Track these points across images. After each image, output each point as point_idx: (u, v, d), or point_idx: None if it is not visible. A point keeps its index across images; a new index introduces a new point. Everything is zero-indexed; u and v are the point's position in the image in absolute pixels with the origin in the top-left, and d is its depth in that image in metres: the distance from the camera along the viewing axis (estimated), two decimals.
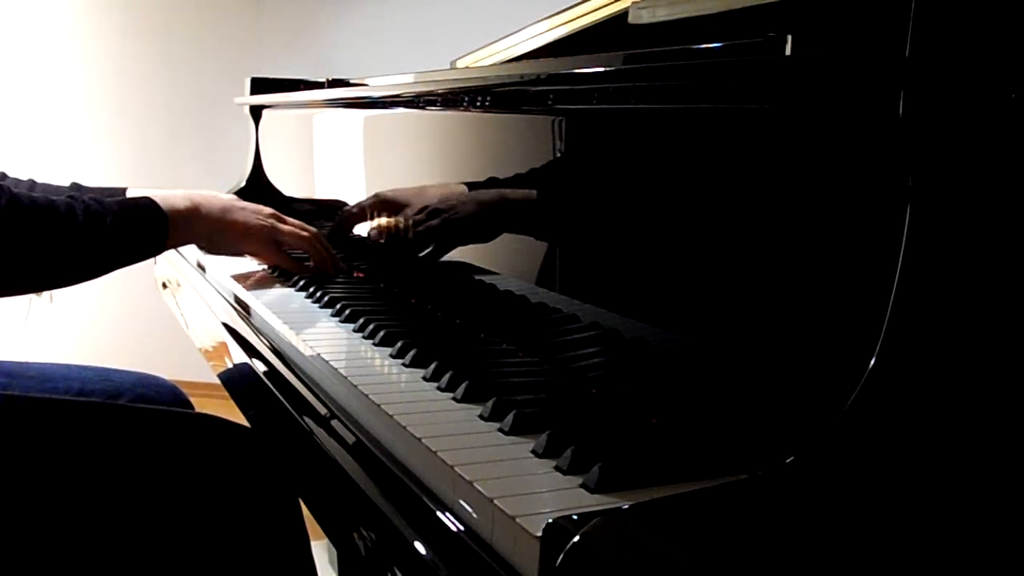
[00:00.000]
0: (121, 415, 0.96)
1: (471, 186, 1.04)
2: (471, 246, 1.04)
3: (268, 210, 1.24)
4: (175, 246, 1.18)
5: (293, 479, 0.88)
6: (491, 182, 0.99)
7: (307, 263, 1.26)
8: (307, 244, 1.24)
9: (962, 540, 0.50)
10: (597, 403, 0.73)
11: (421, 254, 1.13)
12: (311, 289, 1.15)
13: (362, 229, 1.34)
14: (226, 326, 1.13)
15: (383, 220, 1.27)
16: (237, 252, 1.25)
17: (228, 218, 1.17)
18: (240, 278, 1.28)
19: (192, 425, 0.97)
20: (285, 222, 1.24)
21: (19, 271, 0.95)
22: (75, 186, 1.36)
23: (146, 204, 1.08)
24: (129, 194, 1.33)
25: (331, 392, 0.81)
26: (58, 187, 1.35)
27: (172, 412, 1.05)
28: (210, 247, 1.22)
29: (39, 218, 0.95)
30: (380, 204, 1.29)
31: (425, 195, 1.15)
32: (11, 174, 1.35)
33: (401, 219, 1.20)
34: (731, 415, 0.62)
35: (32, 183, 1.35)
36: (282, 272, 1.29)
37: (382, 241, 1.27)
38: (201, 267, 1.41)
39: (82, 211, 0.99)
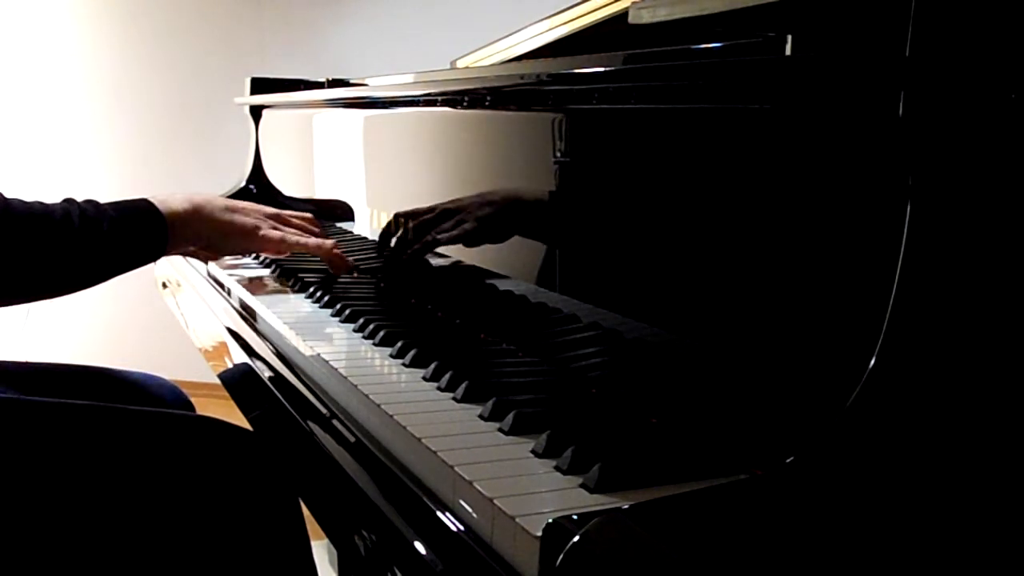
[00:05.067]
0: (122, 417, 0.96)
1: (460, 185, 1.04)
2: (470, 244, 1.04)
3: (270, 209, 1.22)
4: (176, 250, 1.14)
5: (293, 479, 0.88)
6: (474, 176, 0.99)
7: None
8: (316, 234, 1.22)
9: (962, 539, 0.50)
10: (597, 403, 0.73)
11: (425, 255, 1.13)
12: (311, 289, 1.15)
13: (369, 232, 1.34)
14: (226, 326, 1.13)
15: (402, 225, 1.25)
16: (242, 251, 1.23)
17: (228, 218, 1.14)
18: (239, 278, 1.28)
19: (192, 426, 0.96)
20: (289, 221, 1.22)
21: (15, 280, 0.93)
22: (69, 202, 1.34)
23: (144, 207, 1.06)
24: None
25: (331, 392, 0.81)
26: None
27: (172, 414, 1.04)
28: (212, 249, 1.19)
29: (35, 225, 0.93)
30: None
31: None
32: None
33: (405, 221, 1.20)
34: (731, 415, 0.62)
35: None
36: (282, 273, 1.29)
37: (391, 244, 1.26)
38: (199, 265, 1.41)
39: (78, 216, 0.96)
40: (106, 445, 0.90)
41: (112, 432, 0.91)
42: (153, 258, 1.08)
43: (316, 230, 1.23)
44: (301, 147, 1.69)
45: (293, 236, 1.18)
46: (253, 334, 1.04)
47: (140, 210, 1.05)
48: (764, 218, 0.62)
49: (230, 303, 1.20)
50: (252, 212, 1.18)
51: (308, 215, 1.26)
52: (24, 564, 0.83)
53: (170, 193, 1.14)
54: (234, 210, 1.15)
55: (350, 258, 1.33)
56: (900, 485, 0.49)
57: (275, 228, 1.18)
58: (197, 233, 1.12)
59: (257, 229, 1.16)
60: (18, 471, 0.85)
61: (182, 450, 0.93)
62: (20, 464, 0.85)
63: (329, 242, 1.22)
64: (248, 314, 1.12)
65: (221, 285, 1.29)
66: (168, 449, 0.93)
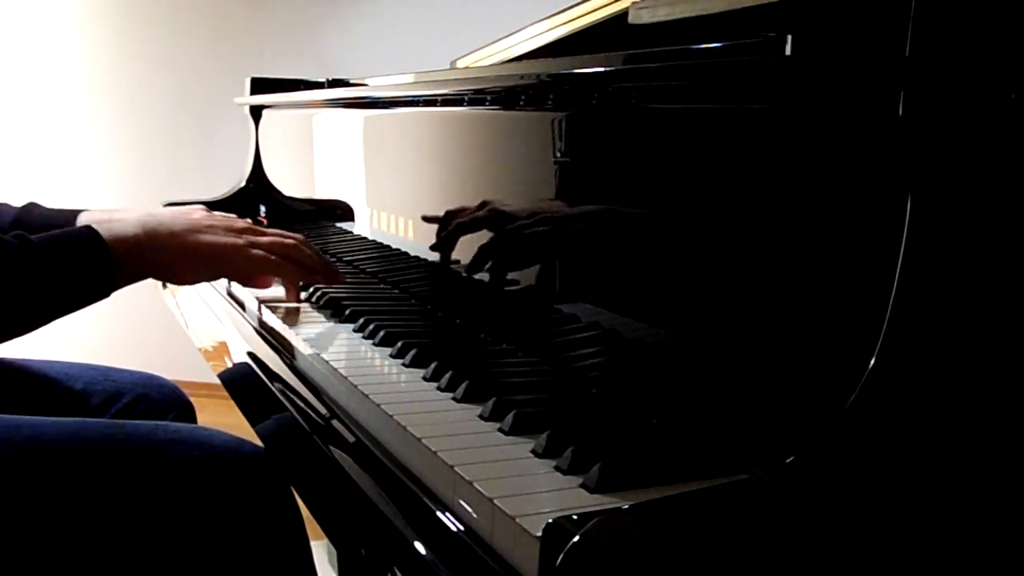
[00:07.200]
0: (118, 427, 0.95)
1: (463, 181, 1.04)
2: (469, 245, 1.04)
3: (241, 223, 1.05)
4: (129, 282, 0.95)
5: (293, 479, 0.88)
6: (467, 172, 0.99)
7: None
8: (294, 251, 1.06)
9: (962, 539, 0.50)
10: (597, 403, 0.73)
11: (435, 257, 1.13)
12: (310, 290, 1.15)
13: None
14: (224, 325, 1.13)
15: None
16: (212, 276, 1.06)
17: (193, 240, 0.97)
18: None
19: (190, 433, 0.96)
20: (264, 234, 1.05)
21: None
22: (33, 205, 1.18)
23: (81, 234, 0.90)
24: (81, 219, 1.12)
25: (331, 392, 0.81)
26: (9, 207, 1.18)
27: (168, 425, 1.02)
28: (178, 276, 1.01)
29: None
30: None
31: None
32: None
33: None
34: (731, 415, 0.62)
35: None
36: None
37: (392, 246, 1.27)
38: None
39: None
40: (104, 452, 0.90)
41: (109, 440, 0.91)
42: (100, 294, 0.92)
43: (291, 241, 1.06)
44: (301, 147, 1.69)
45: (270, 249, 1.03)
46: (252, 333, 1.04)
47: (76, 240, 0.90)
48: (764, 218, 0.62)
49: (228, 301, 1.19)
50: (222, 232, 1.01)
51: (291, 237, 1.08)
52: (24, 566, 0.83)
53: (124, 215, 0.99)
54: (199, 230, 0.98)
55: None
56: (900, 485, 0.49)
57: (254, 244, 1.02)
58: (154, 260, 0.95)
59: (225, 251, 0.99)
60: (17, 476, 0.85)
61: (181, 454, 0.93)
62: (19, 470, 0.86)
63: (314, 255, 1.08)
64: (245, 312, 1.12)
65: (221, 285, 1.29)
66: (166, 455, 0.92)
